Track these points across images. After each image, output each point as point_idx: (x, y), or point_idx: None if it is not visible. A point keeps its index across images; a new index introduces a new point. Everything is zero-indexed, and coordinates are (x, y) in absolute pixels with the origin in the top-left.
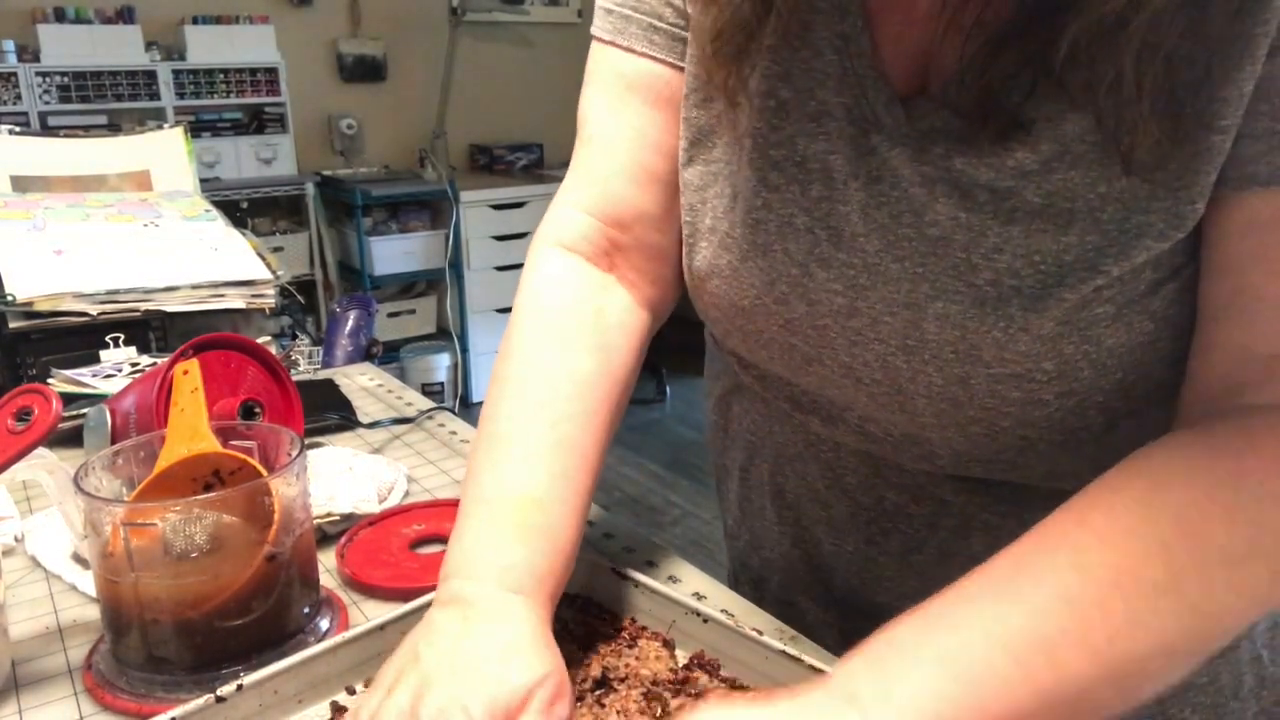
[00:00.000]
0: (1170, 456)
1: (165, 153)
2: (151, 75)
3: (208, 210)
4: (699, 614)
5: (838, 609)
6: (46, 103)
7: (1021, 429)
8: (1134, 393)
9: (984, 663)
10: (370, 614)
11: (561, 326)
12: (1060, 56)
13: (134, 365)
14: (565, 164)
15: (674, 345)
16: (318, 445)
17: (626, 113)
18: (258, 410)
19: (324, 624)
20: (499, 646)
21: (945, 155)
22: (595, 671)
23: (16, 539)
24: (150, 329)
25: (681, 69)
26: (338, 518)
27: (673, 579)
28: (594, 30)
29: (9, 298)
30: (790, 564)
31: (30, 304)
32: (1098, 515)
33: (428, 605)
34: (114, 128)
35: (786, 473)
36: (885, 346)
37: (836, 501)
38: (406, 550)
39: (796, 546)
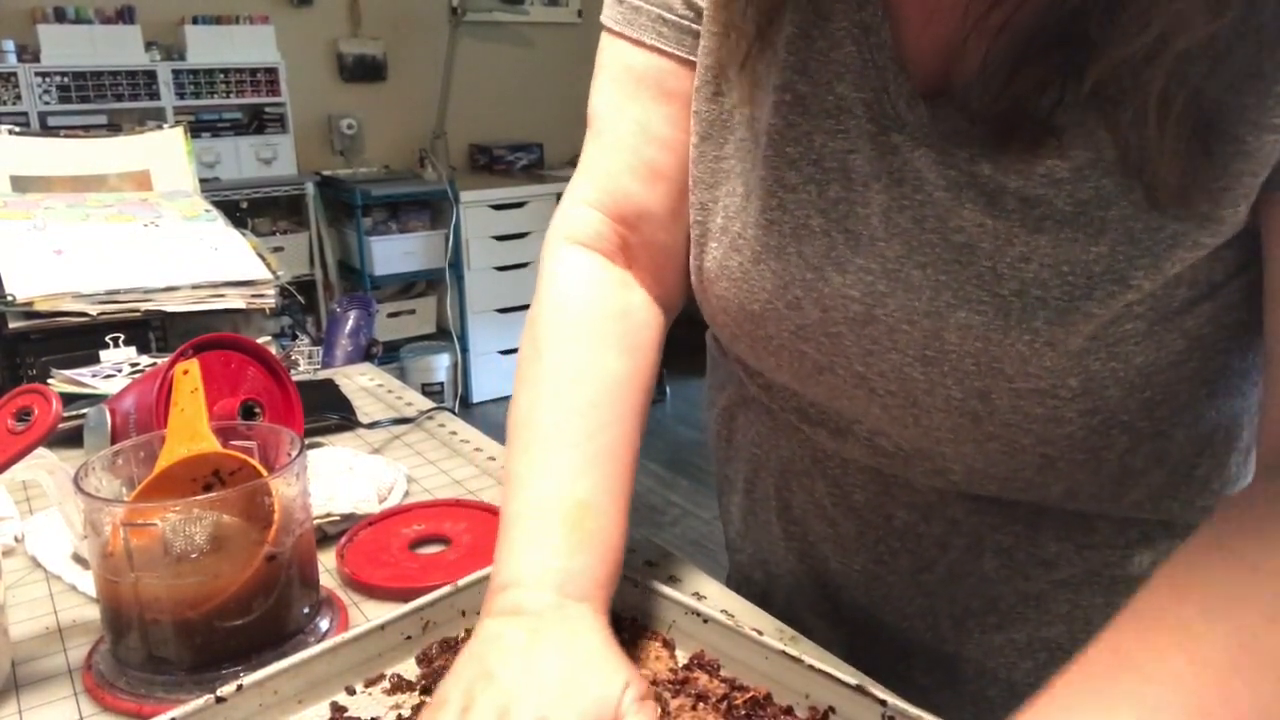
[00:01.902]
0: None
1: (165, 153)
2: (151, 75)
3: (208, 210)
4: (699, 614)
5: (845, 627)
6: (46, 103)
7: (1042, 446)
8: (1159, 412)
9: None
10: (370, 614)
11: (590, 327)
12: (1085, 90)
13: (134, 365)
14: (565, 164)
15: (675, 344)
16: (318, 445)
17: (633, 107)
18: (258, 410)
19: (324, 624)
20: (577, 659)
21: (971, 160)
22: None
23: (16, 539)
24: (150, 329)
25: (691, 63)
26: (338, 518)
27: (673, 579)
28: (603, 19)
29: (9, 298)
30: (796, 580)
31: (30, 304)
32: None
33: (428, 605)
34: (114, 128)
35: (793, 488)
36: (902, 356)
37: (843, 519)
38: (406, 550)
39: (803, 563)
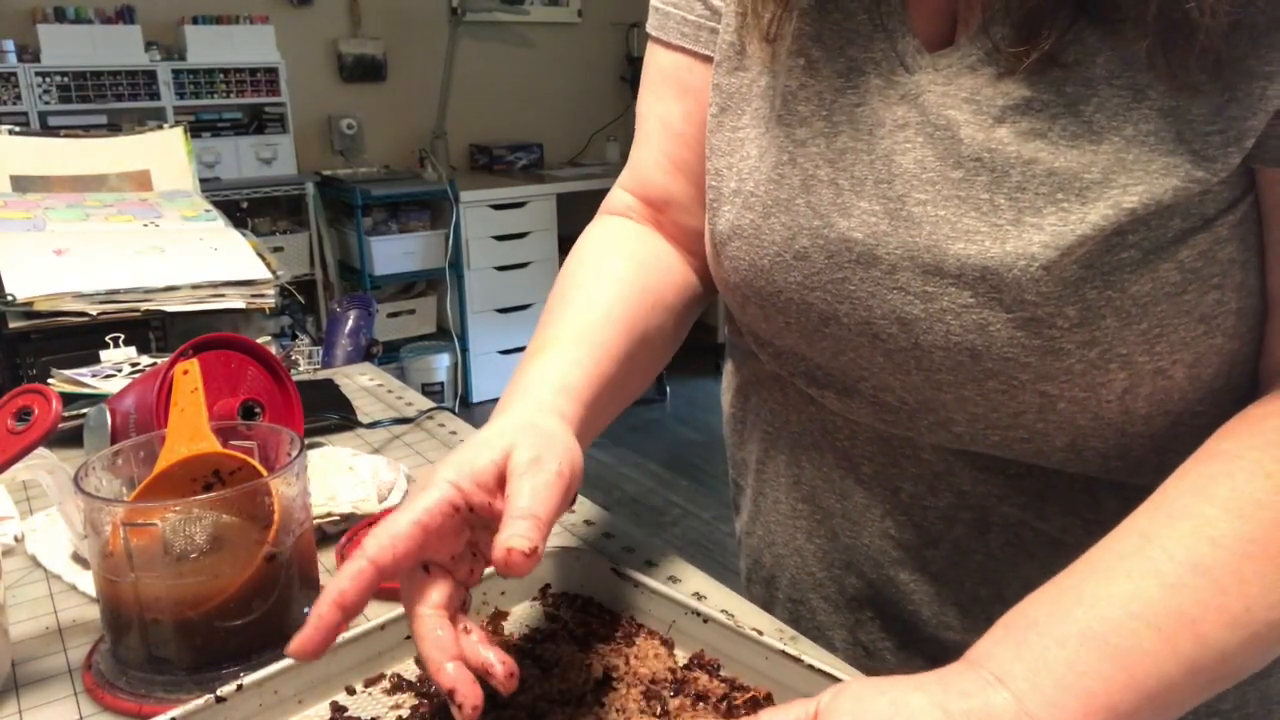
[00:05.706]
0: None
1: (165, 153)
2: (151, 75)
3: (208, 210)
4: (699, 614)
5: (850, 608)
6: (46, 103)
7: (1041, 383)
8: (1158, 347)
9: (1129, 637)
10: (370, 614)
11: (604, 244)
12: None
13: (134, 365)
14: (565, 164)
15: None
16: (318, 445)
17: (660, 105)
18: (258, 410)
19: None
20: (490, 431)
21: (970, 99)
22: (595, 671)
23: (16, 539)
24: (150, 329)
25: (708, 58)
26: (338, 518)
27: (673, 579)
28: (647, 27)
29: (9, 298)
30: (803, 560)
31: (30, 304)
32: (1219, 487)
33: None
34: (114, 128)
35: (803, 463)
36: (903, 295)
37: (852, 492)
38: None
39: (811, 540)
